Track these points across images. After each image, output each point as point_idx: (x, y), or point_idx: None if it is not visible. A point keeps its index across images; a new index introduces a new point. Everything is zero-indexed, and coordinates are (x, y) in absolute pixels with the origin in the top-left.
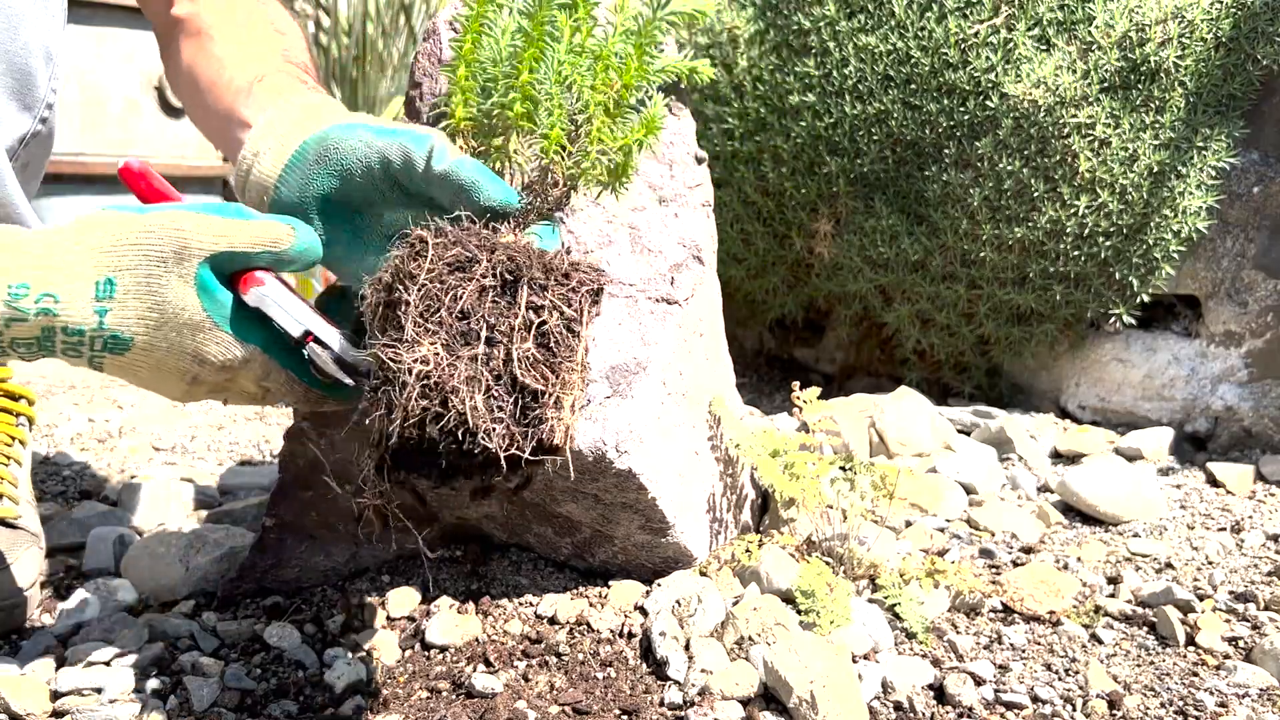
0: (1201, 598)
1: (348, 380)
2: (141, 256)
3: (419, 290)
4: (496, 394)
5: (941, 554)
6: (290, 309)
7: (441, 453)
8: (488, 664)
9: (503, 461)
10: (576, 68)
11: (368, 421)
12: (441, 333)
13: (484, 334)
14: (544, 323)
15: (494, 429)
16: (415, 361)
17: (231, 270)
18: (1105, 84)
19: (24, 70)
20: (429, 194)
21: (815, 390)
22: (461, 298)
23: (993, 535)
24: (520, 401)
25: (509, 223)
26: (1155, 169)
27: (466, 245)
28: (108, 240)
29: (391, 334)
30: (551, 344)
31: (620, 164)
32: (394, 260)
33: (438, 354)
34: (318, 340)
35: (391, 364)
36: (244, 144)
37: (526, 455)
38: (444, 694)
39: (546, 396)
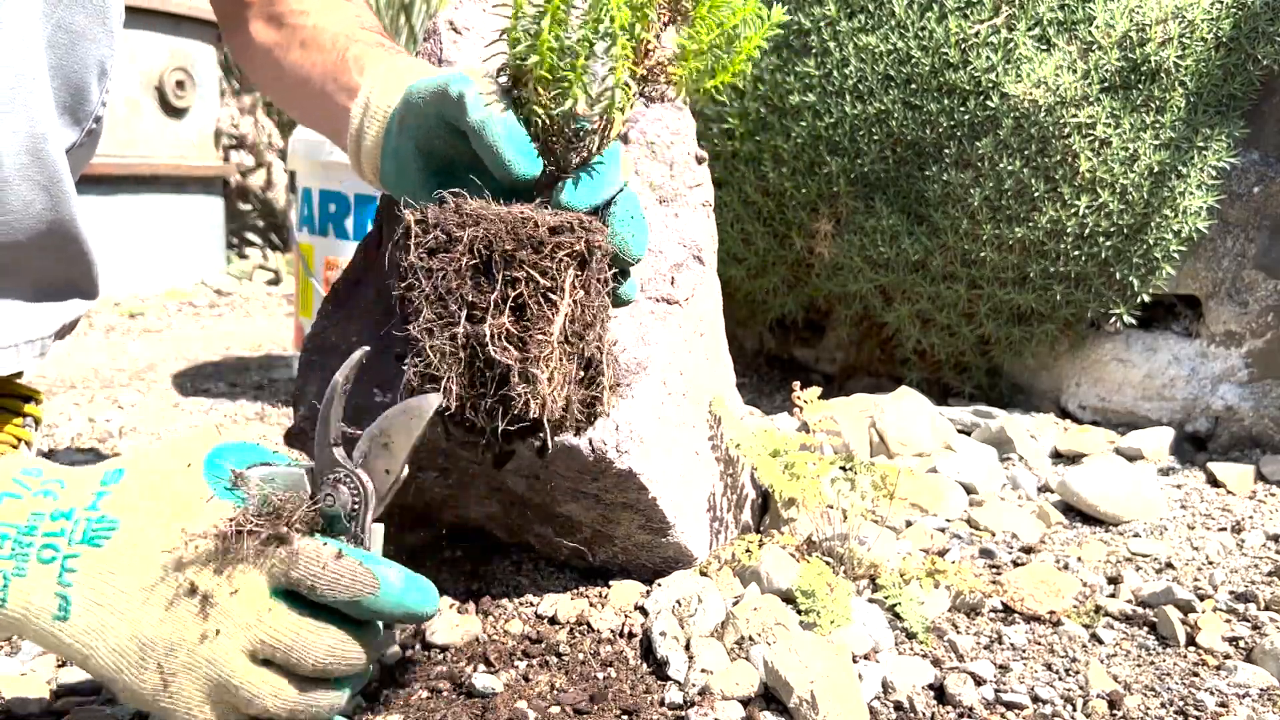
0: (1202, 598)
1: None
2: (165, 456)
3: (405, 281)
4: (480, 371)
5: (942, 554)
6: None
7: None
8: (488, 664)
9: (494, 437)
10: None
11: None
12: (422, 317)
13: (463, 314)
14: (519, 294)
15: (480, 405)
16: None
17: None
18: (1105, 84)
19: (78, 86)
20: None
21: (815, 390)
22: (441, 281)
23: (993, 535)
24: (496, 378)
25: (540, 183)
26: (1155, 169)
27: (446, 226)
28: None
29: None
30: (526, 317)
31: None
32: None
33: (420, 339)
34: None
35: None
36: (350, 121)
37: (503, 429)
38: (444, 694)
39: (512, 372)
